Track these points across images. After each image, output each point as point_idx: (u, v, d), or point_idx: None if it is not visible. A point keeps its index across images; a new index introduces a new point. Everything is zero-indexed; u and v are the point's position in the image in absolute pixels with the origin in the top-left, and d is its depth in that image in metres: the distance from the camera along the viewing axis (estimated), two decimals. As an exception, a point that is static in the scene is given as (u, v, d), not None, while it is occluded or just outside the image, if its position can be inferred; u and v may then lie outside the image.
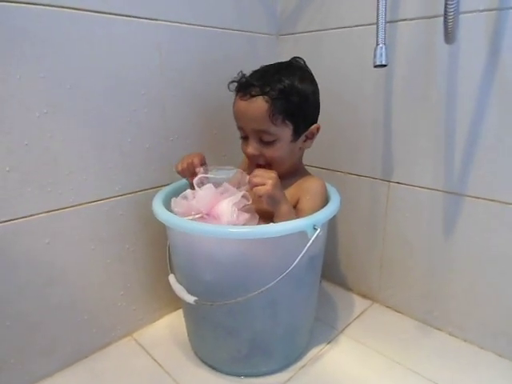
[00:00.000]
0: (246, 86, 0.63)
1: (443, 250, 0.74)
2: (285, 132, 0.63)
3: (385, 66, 0.60)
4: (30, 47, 0.54)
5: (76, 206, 0.64)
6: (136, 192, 0.72)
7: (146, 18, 0.66)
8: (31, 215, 0.59)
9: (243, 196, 0.59)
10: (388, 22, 0.62)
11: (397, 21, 0.70)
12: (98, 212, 0.67)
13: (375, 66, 0.60)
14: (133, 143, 0.69)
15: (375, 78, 0.76)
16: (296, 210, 0.64)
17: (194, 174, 0.63)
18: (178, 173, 0.67)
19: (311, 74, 0.68)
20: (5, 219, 0.57)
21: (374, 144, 0.80)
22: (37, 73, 0.56)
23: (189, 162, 0.65)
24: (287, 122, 0.62)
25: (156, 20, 0.68)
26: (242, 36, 0.83)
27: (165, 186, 0.73)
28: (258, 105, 0.61)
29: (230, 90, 0.66)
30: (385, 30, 0.60)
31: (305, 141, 0.67)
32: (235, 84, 0.66)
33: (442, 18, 0.63)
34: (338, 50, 0.81)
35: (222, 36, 0.79)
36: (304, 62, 0.69)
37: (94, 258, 0.68)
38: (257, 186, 0.57)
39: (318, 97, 0.68)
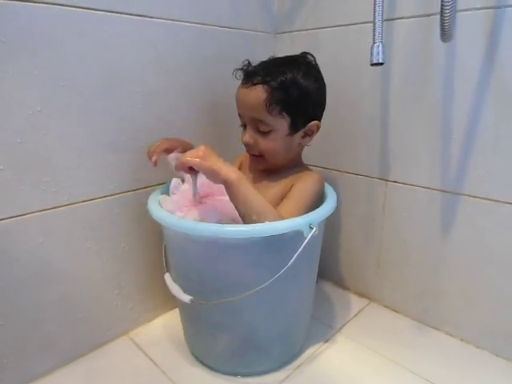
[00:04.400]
0: (249, 74, 0.64)
1: (440, 249, 0.74)
2: (281, 124, 0.63)
3: (381, 64, 0.60)
4: (23, 44, 0.54)
5: (71, 204, 0.64)
6: (131, 191, 0.71)
7: (141, 16, 0.66)
8: (25, 214, 0.59)
9: None
10: (385, 20, 0.62)
11: (394, 19, 0.70)
12: (93, 211, 0.67)
13: (372, 65, 0.60)
14: (128, 141, 0.69)
15: (372, 77, 0.75)
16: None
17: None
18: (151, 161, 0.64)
19: (318, 72, 0.67)
20: (-1, 218, 0.56)
21: (370, 143, 0.79)
22: (30, 69, 0.55)
23: (156, 151, 0.64)
24: (284, 114, 0.62)
25: (152, 18, 0.67)
26: (238, 34, 0.83)
27: (161, 184, 0.73)
28: (257, 93, 0.61)
29: (236, 78, 0.67)
30: (382, 28, 0.59)
31: (303, 137, 0.67)
32: (241, 73, 0.67)
33: (439, 16, 0.63)
34: (335, 48, 0.80)
35: (219, 34, 0.79)
36: (314, 59, 0.68)
37: (89, 257, 0.68)
38: (187, 164, 0.55)
39: (323, 95, 0.68)
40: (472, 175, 0.67)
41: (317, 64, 0.68)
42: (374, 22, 0.60)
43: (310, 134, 0.67)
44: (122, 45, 0.64)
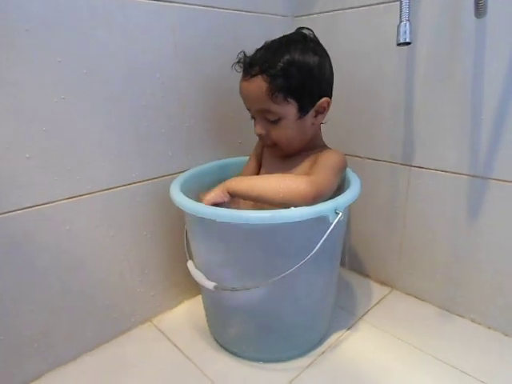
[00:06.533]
0: (247, 66, 0.62)
1: (467, 236, 0.72)
2: (288, 110, 0.61)
3: (409, 43, 0.58)
4: (45, 32, 0.54)
5: (94, 192, 0.64)
6: (153, 178, 0.71)
7: (160, 0, 0.65)
8: (51, 202, 0.59)
9: None
10: (411, -2, 0.60)
11: (420, -3, 0.67)
12: (117, 198, 0.67)
13: (398, 44, 0.58)
14: (149, 128, 0.69)
15: (396, 58, 0.73)
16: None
17: None
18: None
19: (317, 44, 0.63)
20: (26, 205, 0.57)
21: (394, 127, 0.77)
22: (53, 57, 0.55)
23: None
24: (289, 99, 0.60)
25: (170, 2, 0.66)
26: (257, 18, 0.81)
27: (182, 172, 0.73)
28: (258, 84, 0.59)
29: (237, 71, 0.64)
30: (409, 5, 0.57)
31: (315, 116, 0.64)
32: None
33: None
34: (357, 30, 0.78)
35: (237, 18, 0.77)
36: (312, 32, 0.65)
37: (113, 244, 0.69)
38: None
39: (327, 68, 0.63)
40: (502, 159, 0.64)
41: (315, 36, 0.64)
42: (400, 0, 0.57)
43: (321, 112, 0.64)
44: (141, 31, 0.64)
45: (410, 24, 0.57)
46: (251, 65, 0.61)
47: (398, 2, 0.57)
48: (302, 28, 0.65)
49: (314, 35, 0.65)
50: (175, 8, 0.67)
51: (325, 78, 0.63)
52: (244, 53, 0.64)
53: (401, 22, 0.57)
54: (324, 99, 0.63)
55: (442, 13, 0.65)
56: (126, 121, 0.65)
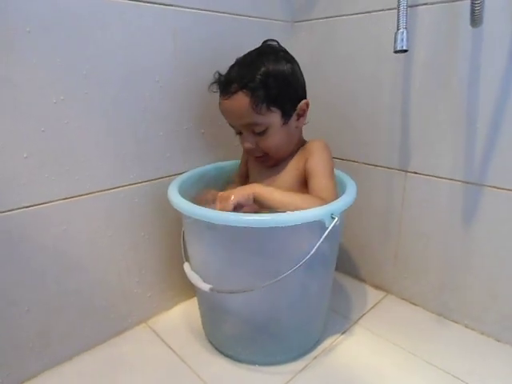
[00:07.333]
0: (224, 85, 0.63)
1: (462, 242, 0.72)
2: (273, 118, 0.63)
3: (406, 51, 0.59)
4: (44, 33, 0.54)
5: (92, 193, 0.64)
6: (151, 180, 0.72)
7: (161, 4, 0.65)
8: (49, 202, 0.60)
9: None
10: (408, 7, 0.60)
11: (417, 5, 0.68)
12: (114, 199, 0.67)
13: (395, 52, 0.59)
14: (147, 131, 0.69)
15: (393, 65, 0.74)
16: (306, 169, 0.65)
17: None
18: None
19: (286, 52, 0.66)
20: (23, 205, 0.57)
21: (390, 133, 0.78)
22: (53, 59, 0.55)
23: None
24: (272, 108, 0.62)
25: (171, 6, 0.67)
26: (256, 23, 0.82)
27: (180, 174, 0.73)
28: (240, 100, 0.61)
29: (213, 91, 0.66)
30: (406, 14, 0.58)
31: (297, 119, 0.67)
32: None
33: (464, 2, 0.61)
34: (355, 37, 0.79)
35: (237, 22, 0.78)
36: (277, 43, 0.68)
37: (110, 245, 0.69)
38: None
39: (298, 73, 0.67)
40: (497, 166, 0.65)
41: (281, 46, 0.68)
42: (398, 8, 0.58)
43: (302, 114, 0.67)
44: (141, 34, 0.64)
45: (407, 32, 0.58)
46: (228, 83, 0.62)
47: (396, 10, 0.58)
48: (267, 40, 0.69)
49: (279, 45, 0.68)
50: (176, 12, 0.68)
51: (299, 83, 0.67)
52: (219, 73, 0.66)
53: (398, 29, 0.58)
54: (303, 101, 0.65)
55: (439, 21, 0.66)
56: (125, 122, 0.66)
